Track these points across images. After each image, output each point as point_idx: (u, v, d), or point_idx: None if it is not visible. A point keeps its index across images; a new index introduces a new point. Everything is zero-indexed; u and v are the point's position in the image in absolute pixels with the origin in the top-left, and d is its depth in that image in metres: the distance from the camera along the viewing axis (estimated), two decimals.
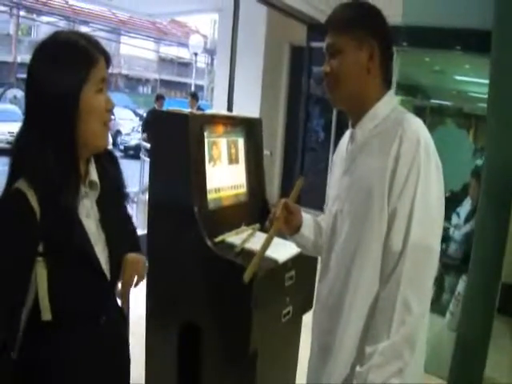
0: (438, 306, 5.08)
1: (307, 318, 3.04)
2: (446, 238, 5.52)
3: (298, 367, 3.28)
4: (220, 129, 3.04)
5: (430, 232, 1.68)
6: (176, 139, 2.82)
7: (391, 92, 1.88)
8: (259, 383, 2.80)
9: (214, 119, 3.05)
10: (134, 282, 1.87)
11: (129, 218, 2.07)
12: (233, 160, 3.14)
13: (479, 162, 5.79)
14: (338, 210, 1.90)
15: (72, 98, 1.53)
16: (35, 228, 1.49)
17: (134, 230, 2.09)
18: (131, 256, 1.88)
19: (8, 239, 1.49)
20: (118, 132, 23.57)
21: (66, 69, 1.53)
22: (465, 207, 5.12)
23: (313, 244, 2.20)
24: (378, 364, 1.64)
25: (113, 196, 1.78)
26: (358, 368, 1.71)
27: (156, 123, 3.04)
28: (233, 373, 2.83)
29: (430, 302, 1.75)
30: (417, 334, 1.67)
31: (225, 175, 3.05)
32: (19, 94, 28.45)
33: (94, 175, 1.69)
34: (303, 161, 10.36)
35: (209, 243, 2.68)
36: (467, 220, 5.00)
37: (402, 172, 1.66)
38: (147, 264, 1.96)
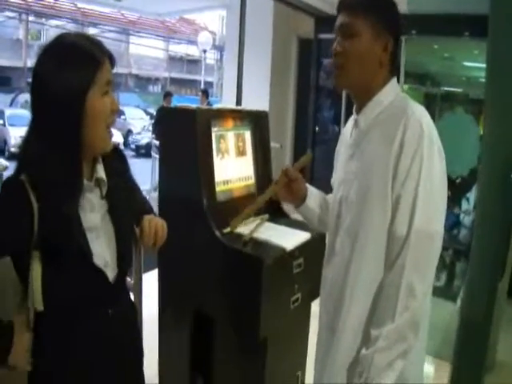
0: (449, 292, 5.10)
1: (316, 307, 3.10)
2: (456, 224, 5.54)
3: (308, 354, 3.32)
4: (227, 122, 3.09)
5: (433, 218, 1.72)
6: (184, 134, 2.87)
7: (394, 79, 1.90)
8: (269, 370, 2.84)
9: (220, 113, 3.11)
10: (154, 241, 1.89)
11: (140, 192, 2.11)
12: (240, 153, 3.19)
13: None
14: (342, 196, 1.94)
15: (77, 102, 1.55)
16: (29, 217, 1.53)
17: (146, 199, 2.13)
18: (148, 216, 1.92)
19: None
20: (129, 131, 23.75)
21: (71, 72, 1.55)
22: (474, 192, 5.13)
23: (318, 217, 2.26)
24: (383, 347, 1.69)
25: (121, 190, 1.81)
26: (363, 351, 1.76)
27: (164, 119, 3.10)
28: (244, 360, 2.88)
29: (432, 285, 1.79)
30: (420, 317, 1.72)
31: (233, 168, 3.10)
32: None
33: (100, 172, 1.72)
34: (313, 151, 10.39)
35: (218, 234, 2.73)
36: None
37: (406, 159, 1.70)
38: (165, 226, 1.96)
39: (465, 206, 5.46)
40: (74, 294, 1.62)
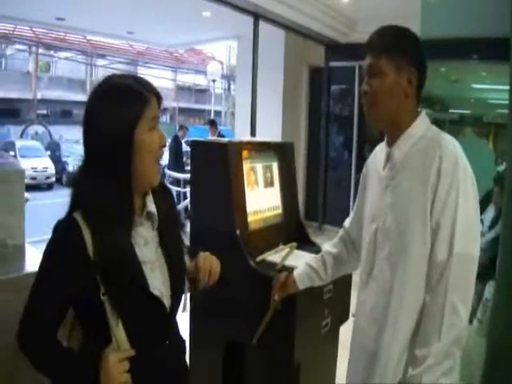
0: None
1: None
2: None
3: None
4: (256, 154, 3.20)
5: (470, 241, 1.83)
6: (217, 167, 2.97)
7: (424, 112, 2.01)
8: None
9: (249, 146, 3.21)
10: (209, 276, 1.97)
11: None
12: (268, 183, 3.29)
13: (501, 168, 5.88)
14: (378, 227, 2.03)
15: (126, 137, 1.62)
16: (82, 257, 1.59)
17: None
18: (203, 253, 2.02)
19: (54, 263, 1.63)
20: None
21: (119, 109, 1.63)
22: (488, 214, 5.18)
23: (317, 283, 2.56)
24: (432, 365, 1.79)
25: (170, 224, 1.87)
26: (410, 371, 1.85)
27: (197, 153, 3.17)
28: None
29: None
30: (464, 334, 1.83)
31: (262, 198, 3.20)
32: (40, 130, 28.80)
33: (151, 206, 1.79)
34: (326, 178, 10.51)
35: (251, 263, 2.81)
36: (491, 227, 5.07)
37: (443, 189, 1.81)
38: (219, 265, 2.04)
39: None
40: (138, 327, 1.69)
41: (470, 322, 4.51)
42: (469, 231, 1.82)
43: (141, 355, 1.67)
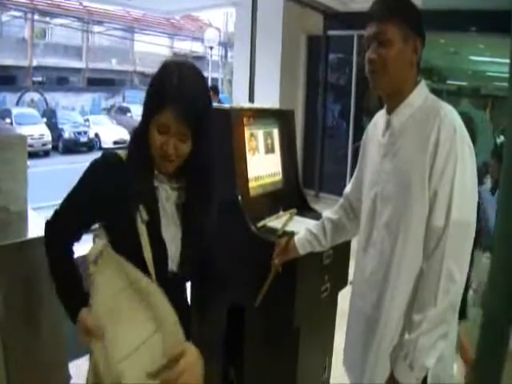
0: None
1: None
2: None
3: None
4: (257, 121, 3.21)
5: (467, 209, 1.87)
6: (219, 133, 2.93)
7: (423, 82, 2.04)
8: (300, 358, 2.96)
9: (251, 112, 3.21)
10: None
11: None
12: (269, 150, 3.31)
13: (498, 140, 5.90)
14: (377, 194, 2.08)
15: (144, 121, 1.76)
16: (119, 181, 1.74)
17: None
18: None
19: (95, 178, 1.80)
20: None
21: (149, 96, 1.77)
22: (485, 186, 5.21)
23: (319, 248, 2.61)
24: (427, 329, 1.84)
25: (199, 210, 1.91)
26: (406, 336, 1.90)
27: None
28: (276, 349, 2.99)
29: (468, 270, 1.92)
30: (458, 300, 1.89)
31: (263, 164, 3.22)
32: (36, 97, 28.64)
33: (181, 181, 1.88)
34: (323, 146, 10.54)
35: (253, 228, 2.85)
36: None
37: (441, 157, 1.85)
38: None
39: None
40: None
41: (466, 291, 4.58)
42: (466, 199, 1.86)
43: None
